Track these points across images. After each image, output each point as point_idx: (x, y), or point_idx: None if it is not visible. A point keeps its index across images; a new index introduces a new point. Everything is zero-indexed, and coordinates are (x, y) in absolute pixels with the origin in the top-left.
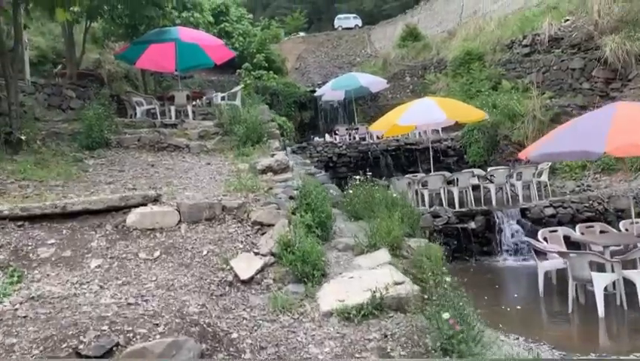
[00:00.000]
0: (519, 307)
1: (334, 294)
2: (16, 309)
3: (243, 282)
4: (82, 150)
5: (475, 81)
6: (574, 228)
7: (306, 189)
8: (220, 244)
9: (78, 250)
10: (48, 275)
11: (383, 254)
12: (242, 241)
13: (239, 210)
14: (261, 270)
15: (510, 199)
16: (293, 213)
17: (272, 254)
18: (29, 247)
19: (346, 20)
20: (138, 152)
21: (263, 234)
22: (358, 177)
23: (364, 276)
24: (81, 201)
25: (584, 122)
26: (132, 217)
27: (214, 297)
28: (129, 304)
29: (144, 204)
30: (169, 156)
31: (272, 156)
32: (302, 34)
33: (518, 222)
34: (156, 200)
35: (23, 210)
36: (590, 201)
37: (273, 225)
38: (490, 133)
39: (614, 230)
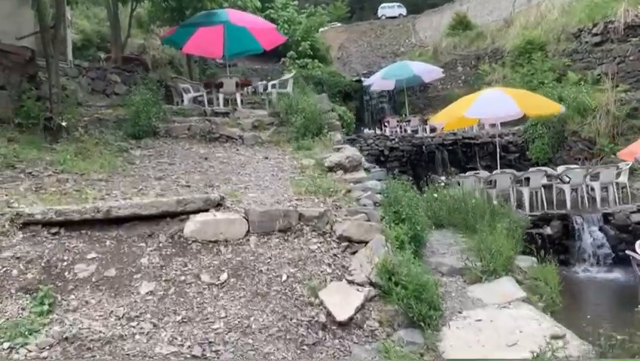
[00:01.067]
0: None
1: (464, 347)
2: (44, 358)
3: (340, 324)
4: (127, 139)
5: (537, 72)
6: None
7: (394, 193)
8: (302, 266)
9: (125, 268)
10: (87, 303)
11: (510, 286)
12: (329, 263)
13: (320, 221)
14: (361, 307)
15: (586, 202)
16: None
17: (372, 284)
18: (65, 263)
19: (390, 9)
20: (188, 142)
21: (353, 253)
22: (441, 177)
23: (497, 319)
24: (129, 205)
25: None
26: (192, 226)
27: (305, 347)
28: (195, 357)
29: (206, 210)
30: (221, 148)
31: (338, 150)
32: (338, 24)
33: (600, 229)
34: (219, 204)
35: (59, 215)
36: None
37: (366, 242)
38: (556, 128)
39: None
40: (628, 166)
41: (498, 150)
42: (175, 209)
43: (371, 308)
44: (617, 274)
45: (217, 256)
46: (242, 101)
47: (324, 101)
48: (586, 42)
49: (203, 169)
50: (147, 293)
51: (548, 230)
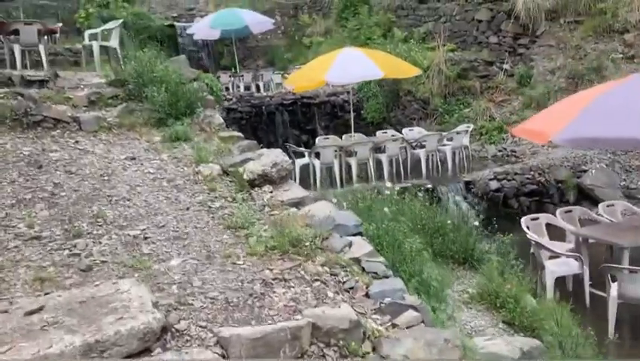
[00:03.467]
0: None
1: None
2: None
3: None
4: None
5: (363, 27)
6: (518, 202)
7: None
8: None
9: None
10: None
11: None
12: None
13: (351, 335)
14: None
15: (440, 168)
16: None
17: None
18: None
19: None
20: None
21: None
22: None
23: None
24: None
25: (623, 100)
26: None
27: None
28: None
29: (144, 351)
30: (52, 141)
31: (230, 141)
32: None
33: (465, 199)
34: (164, 329)
35: None
36: (532, 172)
37: None
38: (390, 87)
39: (595, 214)
40: (470, 128)
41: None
42: None
43: None
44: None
45: None
46: (47, 59)
47: (183, 66)
48: None
49: (44, 191)
50: None
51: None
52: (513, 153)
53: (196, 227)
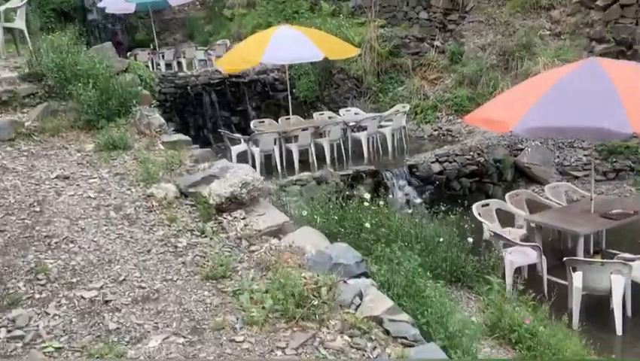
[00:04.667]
0: None
1: None
2: None
3: None
4: None
5: (290, 1)
6: (460, 184)
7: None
8: None
9: None
10: None
11: None
12: None
13: None
14: None
15: (380, 151)
16: None
17: None
18: None
19: None
20: None
21: None
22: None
23: None
24: None
25: (579, 88)
26: None
27: None
28: None
29: None
30: None
31: (176, 146)
32: None
33: (409, 184)
34: None
35: None
36: (471, 153)
37: None
38: (322, 65)
39: (540, 197)
40: (406, 109)
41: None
42: None
43: None
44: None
45: None
46: None
47: (109, 55)
48: None
49: None
50: None
51: (363, 191)
52: (449, 133)
53: (167, 279)
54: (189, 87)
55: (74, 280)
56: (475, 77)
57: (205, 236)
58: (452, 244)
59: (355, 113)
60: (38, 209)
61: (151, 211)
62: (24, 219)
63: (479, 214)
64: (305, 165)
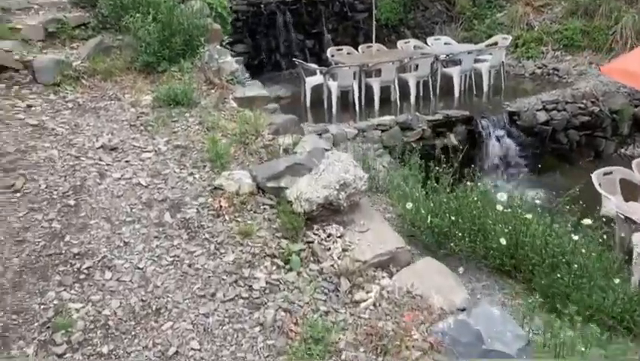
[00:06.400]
0: None
1: None
2: None
3: None
4: None
5: None
6: (567, 137)
7: None
8: None
9: None
10: None
11: None
12: None
13: None
14: None
15: (473, 90)
16: None
17: None
18: None
19: None
20: None
21: None
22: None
23: None
24: None
25: None
26: None
27: None
28: None
29: None
30: None
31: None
32: None
33: (509, 135)
34: None
35: None
36: (584, 101)
37: None
38: None
39: None
40: (508, 41)
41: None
42: None
43: None
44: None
45: None
46: None
47: None
48: None
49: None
50: None
51: (453, 139)
52: (555, 72)
53: (236, 357)
54: (262, 5)
55: (105, 348)
56: (592, 6)
57: (291, 269)
58: (605, 266)
59: (445, 43)
60: (72, 202)
61: (219, 216)
62: (52, 221)
63: (599, 185)
64: (385, 103)
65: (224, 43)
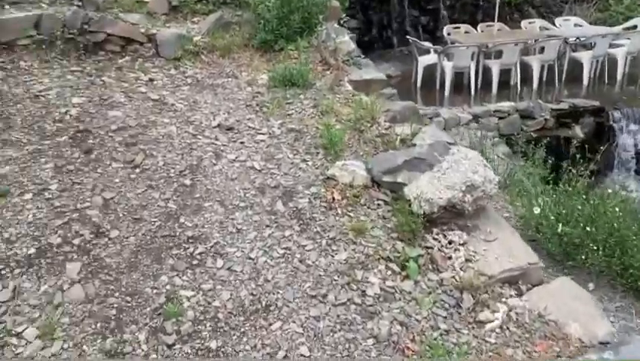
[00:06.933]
0: None
1: None
2: None
3: None
4: None
5: None
6: None
7: None
8: None
9: None
10: None
11: None
12: None
13: None
14: None
15: (605, 79)
16: None
17: None
18: None
19: None
20: (35, 63)
21: None
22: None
23: None
24: None
25: None
26: None
27: None
28: None
29: None
30: (116, 79)
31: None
32: None
33: None
34: None
35: None
36: None
37: None
38: None
39: None
40: None
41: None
42: None
43: None
44: None
45: None
46: None
47: None
48: None
49: (84, 224)
50: None
51: (578, 131)
52: None
53: None
54: None
55: (213, 343)
56: None
57: (408, 277)
58: None
59: (576, 25)
60: (188, 182)
61: (331, 208)
62: (168, 201)
63: None
64: (503, 88)
65: (342, 22)
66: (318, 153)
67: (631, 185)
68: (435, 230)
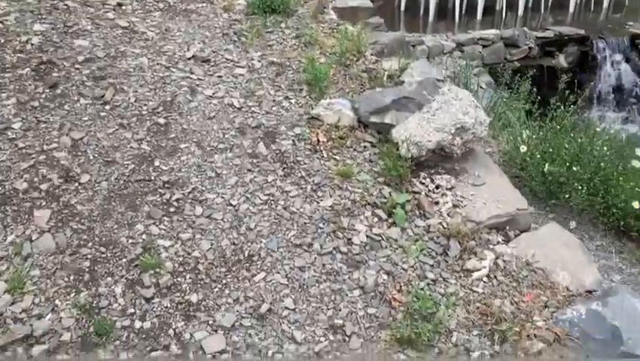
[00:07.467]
0: None
1: None
2: None
3: None
4: None
5: None
6: None
7: None
8: None
9: None
10: None
11: None
12: None
13: None
14: None
15: (592, 6)
16: None
17: None
18: None
19: None
20: None
21: None
22: None
23: None
24: None
25: None
26: None
27: None
28: None
29: None
30: (78, 5)
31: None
32: None
33: (627, 60)
34: None
35: None
36: None
37: None
38: None
39: None
40: None
41: None
42: None
43: None
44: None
45: None
46: None
47: None
48: None
49: (52, 168)
50: None
51: (562, 60)
52: None
53: (334, 327)
54: None
55: (194, 297)
56: None
57: (394, 224)
58: None
59: None
60: (162, 120)
61: (316, 151)
62: (141, 142)
63: None
64: (488, 13)
65: None
66: (301, 89)
67: (608, 114)
68: (422, 174)
